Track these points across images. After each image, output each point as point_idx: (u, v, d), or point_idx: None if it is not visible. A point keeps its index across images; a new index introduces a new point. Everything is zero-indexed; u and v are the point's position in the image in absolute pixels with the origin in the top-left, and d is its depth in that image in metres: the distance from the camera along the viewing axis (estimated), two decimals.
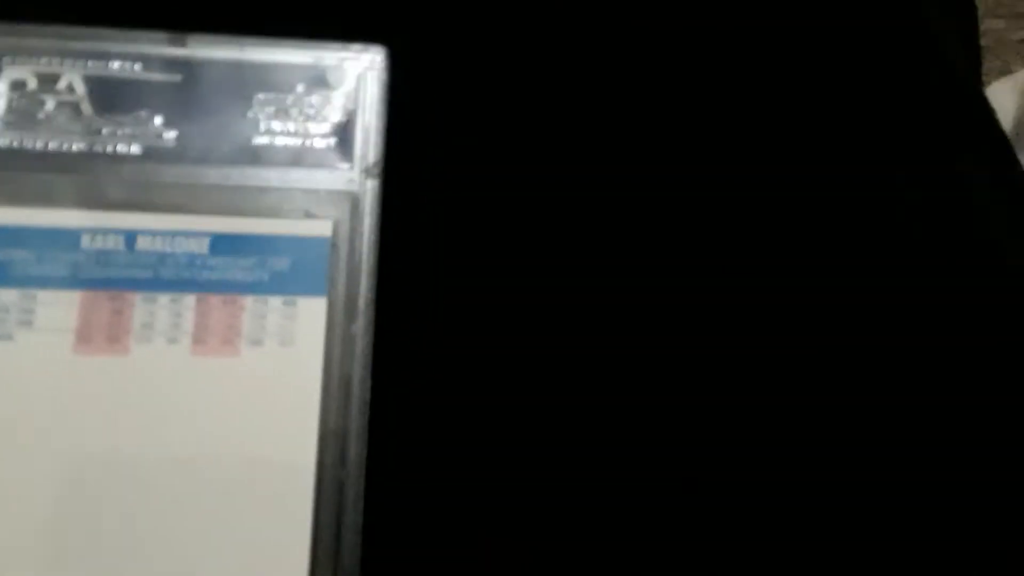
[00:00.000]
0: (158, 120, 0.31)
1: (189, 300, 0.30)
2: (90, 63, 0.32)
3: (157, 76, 0.32)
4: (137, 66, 0.32)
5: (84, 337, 0.29)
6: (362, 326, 0.29)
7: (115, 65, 0.32)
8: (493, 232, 0.32)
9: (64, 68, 0.32)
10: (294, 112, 0.32)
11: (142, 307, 0.29)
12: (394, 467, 0.28)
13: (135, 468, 0.28)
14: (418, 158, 0.32)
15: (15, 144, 0.31)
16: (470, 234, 0.32)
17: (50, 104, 0.31)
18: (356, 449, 0.28)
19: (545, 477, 0.29)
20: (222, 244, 0.30)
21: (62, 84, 0.31)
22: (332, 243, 0.30)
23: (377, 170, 0.31)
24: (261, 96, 0.32)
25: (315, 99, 0.32)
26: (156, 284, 0.30)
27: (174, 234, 0.30)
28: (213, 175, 0.31)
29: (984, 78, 0.46)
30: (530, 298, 0.31)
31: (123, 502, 0.27)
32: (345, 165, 0.31)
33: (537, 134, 0.33)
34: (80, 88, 0.31)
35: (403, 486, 0.29)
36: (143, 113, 0.31)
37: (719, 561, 0.29)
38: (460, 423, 0.30)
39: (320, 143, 0.31)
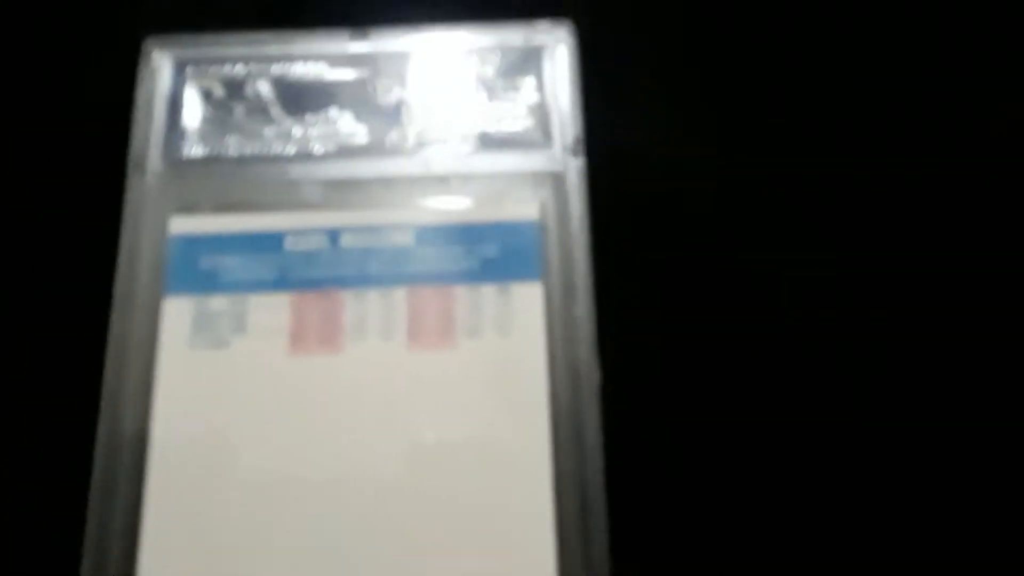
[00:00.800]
0: (348, 116, 0.31)
1: (400, 294, 0.28)
2: (275, 66, 0.31)
3: (342, 73, 0.31)
4: (322, 64, 0.31)
5: (298, 338, 0.28)
6: (584, 309, 0.28)
7: (300, 66, 0.31)
8: (703, 208, 0.30)
9: (250, 73, 0.31)
10: (487, 96, 0.30)
11: (352, 304, 0.28)
12: (628, 451, 0.27)
13: (360, 469, 0.27)
14: (616, 135, 0.31)
15: (210, 152, 0.30)
16: (681, 211, 0.30)
17: (240, 111, 0.31)
18: (592, 437, 0.26)
19: (779, 466, 0.27)
20: (427, 235, 0.29)
21: (249, 90, 0.31)
22: (541, 225, 0.29)
23: (579, 147, 0.30)
24: (450, 82, 0.31)
25: (506, 81, 0.31)
26: (364, 280, 0.29)
27: (377, 229, 0.29)
28: (409, 166, 0.30)
29: None
30: (756, 271, 0.29)
31: (354, 504, 0.26)
32: (545, 144, 0.30)
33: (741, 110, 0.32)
34: (267, 92, 0.31)
35: (639, 470, 0.27)
36: (332, 110, 0.31)
37: None
38: (688, 405, 0.28)
39: (517, 124, 0.30)
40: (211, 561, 0.26)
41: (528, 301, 0.28)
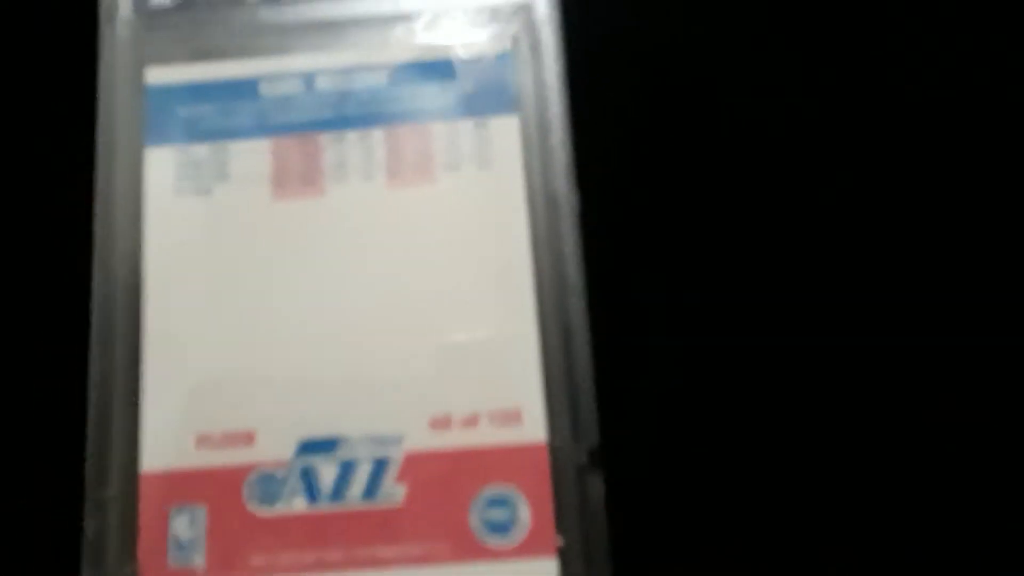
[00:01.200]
0: None
1: (378, 134, 0.29)
2: None
3: None
4: None
5: (280, 183, 0.29)
6: (559, 139, 0.28)
7: None
8: (675, 36, 0.30)
9: None
10: None
11: (331, 147, 0.29)
12: (609, 278, 0.27)
13: (347, 306, 0.27)
14: None
15: (178, 1, 0.30)
16: (653, 40, 0.30)
17: None
18: (572, 263, 0.27)
19: (757, 305, 0.28)
20: (402, 74, 0.29)
21: None
22: (514, 57, 0.29)
23: None
24: None
25: None
26: (342, 122, 0.29)
27: (351, 70, 0.29)
28: (380, 5, 0.30)
29: None
30: (732, 101, 0.29)
31: (343, 340, 0.27)
32: None
33: None
34: None
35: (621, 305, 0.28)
36: None
37: None
38: (666, 230, 0.28)
39: None
40: (209, 398, 0.27)
41: (505, 134, 0.28)
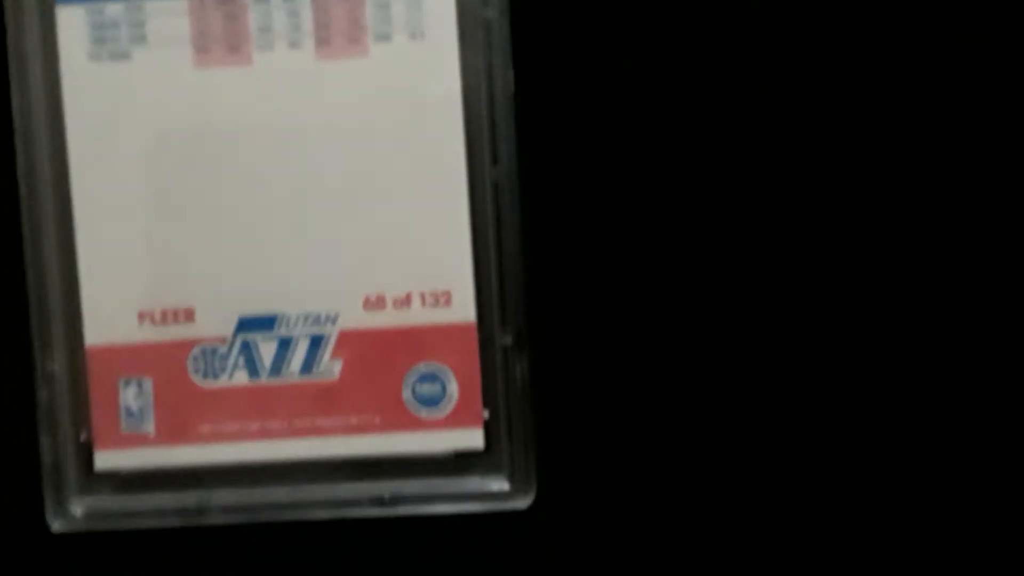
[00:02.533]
0: None
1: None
2: None
3: None
4: None
5: (202, 48, 0.27)
6: (498, 10, 0.26)
7: None
8: None
9: None
10: None
11: (255, 8, 0.27)
12: (542, 156, 0.27)
13: (279, 185, 0.27)
14: None
15: None
16: None
17: None
18: (507, 146, 0.27)
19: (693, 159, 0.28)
20: None
21: None
22: None
23: None
24: None
25: None
26: None
27: None
28: None
29: None
30: None
31: (274, 214, 0.27)
32: None
33: None
34: None
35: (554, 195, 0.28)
36: None
37: None
38: (606, 102, 0.28)
39: None
40: (145, 275, 0.27)
41: (440, 3, 0.27)
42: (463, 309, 0.27)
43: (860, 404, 0.27)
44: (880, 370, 0.27)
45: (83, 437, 0.28)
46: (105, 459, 0.28)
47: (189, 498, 0.28)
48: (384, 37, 0.27)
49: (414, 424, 0.28)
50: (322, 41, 0.27)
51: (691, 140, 0.27)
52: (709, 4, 0.27)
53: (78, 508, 0.28)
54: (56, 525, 0.28)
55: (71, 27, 0.27)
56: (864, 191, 0.27)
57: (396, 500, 0.27)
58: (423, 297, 0.27)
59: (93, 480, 0.28)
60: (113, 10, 0.27)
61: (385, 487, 0.28)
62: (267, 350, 0.28)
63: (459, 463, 0.28)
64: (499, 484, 0.27)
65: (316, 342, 0.27)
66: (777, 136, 0.27)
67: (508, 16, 0.27)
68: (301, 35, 0.27)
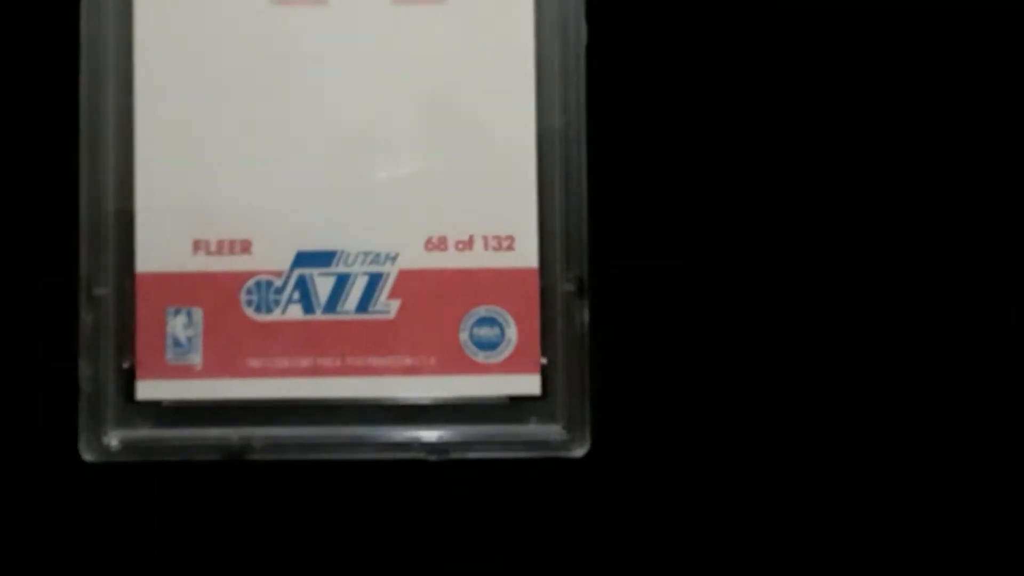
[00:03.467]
0: None
1: None
2: None
3: None
4: None
5: None
6: None
7: None
8: None
9: None
10: None
11: None
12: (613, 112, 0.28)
13: (347, 124, 0.27)
14: None
15: None
16: None
17: None
18: (575, 96, 0.27)
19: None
20: None
21: None
22: None
23: None
24: None
25: None
26: None
27: None
28: None
29: None
30: None
31: (345, 152, 0.27)
32: None
33: None
34: None
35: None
36: None
37: None
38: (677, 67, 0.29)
39: None
40: (204, 205, 0.27)
41: None
42: (526, 254, 0.27)
43: (919, 369, 0.28)
44: (942, 346, 0.28)
45: (126, 366, 0.27)
46: (148, 389, 0.27)
47: (232, 434, 0.27)
48: None
49: (470, 367, 0.27)
50: None
51: (763, 92, 0.28)
52: None
53: (114, 438, 0.27)
54: (90, 455, 0.27)
55: None
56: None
57: (448, 445, 0.27)
58: (486, 240, 0.27)
59: (132, 410, 0.27)
60: None
61: (437, 431, 0.27)
62: (323, 286, 0.27)
63: (514, 409, 0.27)
64: (555, 432, 0.27)
65: (374, 280, 0.27)
66: (848, 91, 0.28)
67: None
68: None
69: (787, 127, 0.28)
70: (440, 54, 0.28)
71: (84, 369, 0.27)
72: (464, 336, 0.27)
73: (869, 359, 0.28)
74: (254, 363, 0.27)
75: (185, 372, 0.27)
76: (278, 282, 0.27)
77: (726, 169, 0.28)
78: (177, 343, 0.27)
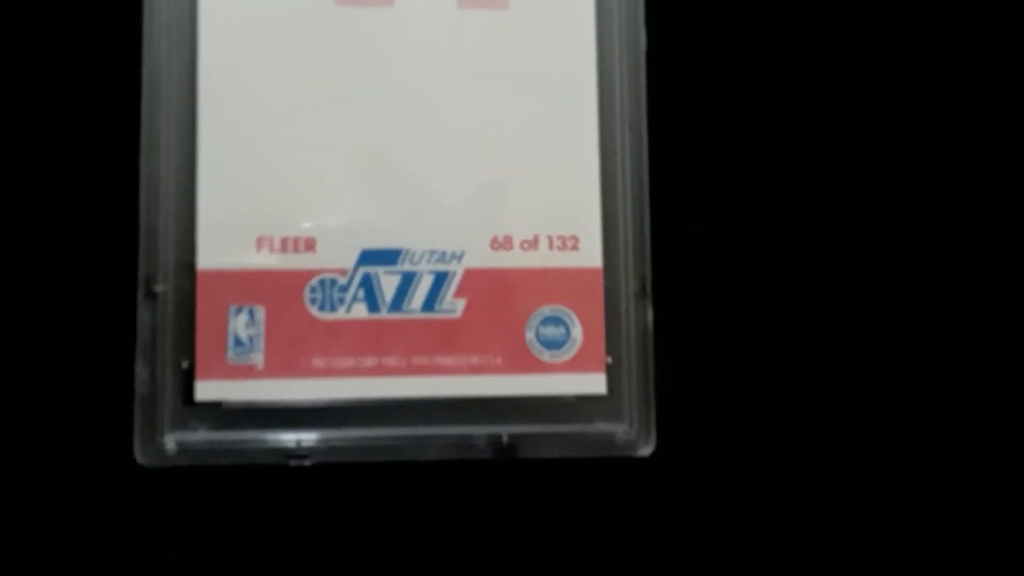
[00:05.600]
0: None
1: None
2: None
3: None
4: None
5: None
6: None
7: None
8: None
9: None
10: None
11: None
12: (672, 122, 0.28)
13: (412, 124, 0.27)
14: None
15: None
16: None
17: None
18: (637, 102, 0.28)
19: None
20: None
21: None
22: None
23: None
24: None
25: None
26: None
27: None
28: None
29: None
30: None
31: (407, 160, 0.27)
32: None
33: None
34: None
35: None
36: None
37: None
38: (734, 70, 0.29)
39: None
40: (268, 201, 0.27)
41: None
42: (590, 254, 0.28)
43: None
44: (1000, 354, 0.29)
45: (184, 366, 0.26)
46: (207, 389, 0.26)
47: (294, 436, 0.26)
48: None
49: (536, 366, 0.27)
50: None
51: (818, 99, 0.29)
52: None
53: (171, 441, 0.26)
54: (145, 459, 0.26)
55: None
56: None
57: (514, 443, 0.27)
58: (551, 240, 0.28)
59: (189, 413, 0.26)
60: None
61: (504, 429, 0.27)
62: (389, 284, 0.27)
63: (580, 408, 0.27)
64: (621, 431, 0.27)
65: (440, 279, 0.27)
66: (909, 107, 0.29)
67: None
68: None
69: (842, 129, 0.29)
70: (504, 57, 0.28)
71: (140, 369, 0.26)
72: (530, 335, 0.27)
73: (929, 368, 0.29)
74: (318, 363, 0.26)
75: (246, 372, 0.26)
76: (343, 280, 0.27)
77: (787, 171, 0.29)
78: (238, 342, 0.26)
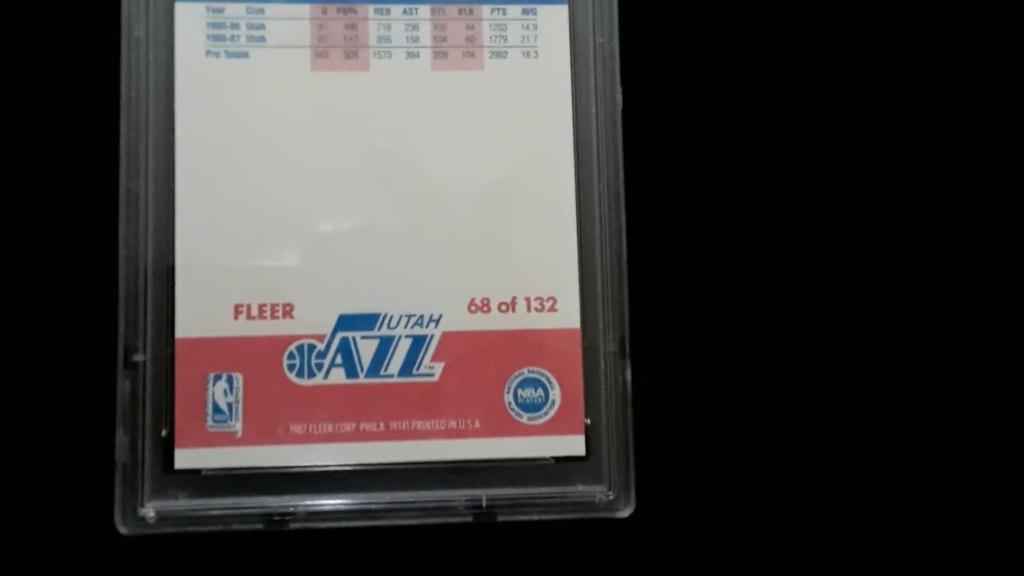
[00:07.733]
0: None
1: (424, 11, 0.28)
2: None
3: None
4: None
5: (321, 53, 0.28)
6: (608, 33, 0.28)
7: None
8: None
9: None
10: None
11: (376, 19, 0.28)
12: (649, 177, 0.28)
13: (388, 187, 0.28)
14: None
15: None
16: None
17: None
18: (612, 161, 0.28)
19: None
20: None
21: None
22: None
23: None
24: None
25: None
26: None
27: None
28: None
29: None
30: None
31: (382, 223, 0.28)
32: None
33: None
34: None
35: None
36: None
37: None
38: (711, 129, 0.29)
39: None
40: (245, 269, 0.27)
41: (554, 24, 0.28)
42: (568, 315, 0.28)
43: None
44: (985, 380, 0.29)
45: (164, 433, 0.26)
46: (187, 457, 0.26)
47: (273, 502, 0.26)
48: (500, 54, 0.28)
49: (515, 429, 0.27)
50: (439, 53, 0.28)
51: (796, 160, 0.29)
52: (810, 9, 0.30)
53: (151, 509, 0.26)
54: (125, 528, 0.26)
55: (189, 22, 0.28)
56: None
57: (493, 506, 0.27)
58: (528, 302, 0.28)
59: (169, 480, 0.26)
60: (233, 10, 0.28)
61: (483, 493, 0.27)
62: (366, 349, 0.27)
63: (559, 470, 0.27)
64: (600, 492, 0.27)
65: (418, 343, 0.27)
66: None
67: (618, 41, 0.28)
68: (419, 46, 0.28)
69: (818, 178, 0.29)
70: (479, 119, 0.28)
71: (120, 438, 0.26)
72: (508, 398, 0.27)
73: (914, 414, 0.29)
74: (296, 429, 0.27)
75: (226, 440, 0.26)
76: (320, 346, 0.27)
77: (764, 230, 0.29)
78: (218, 410, 0.26)
